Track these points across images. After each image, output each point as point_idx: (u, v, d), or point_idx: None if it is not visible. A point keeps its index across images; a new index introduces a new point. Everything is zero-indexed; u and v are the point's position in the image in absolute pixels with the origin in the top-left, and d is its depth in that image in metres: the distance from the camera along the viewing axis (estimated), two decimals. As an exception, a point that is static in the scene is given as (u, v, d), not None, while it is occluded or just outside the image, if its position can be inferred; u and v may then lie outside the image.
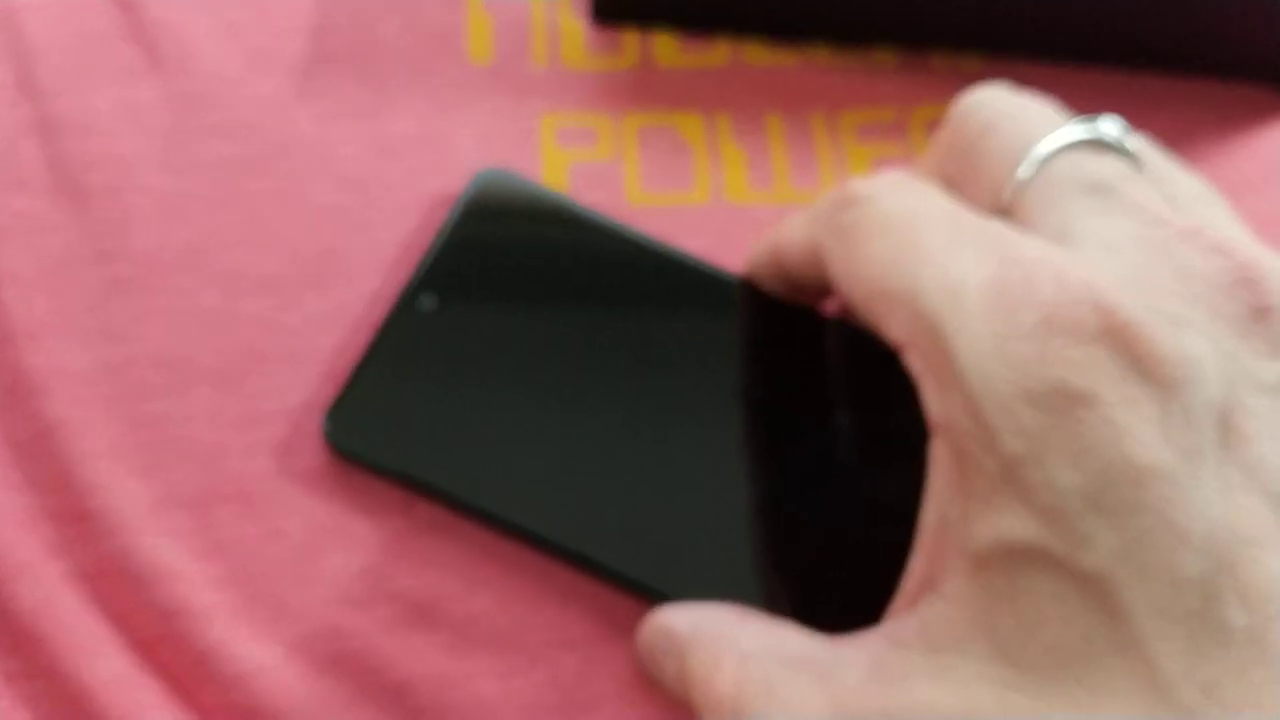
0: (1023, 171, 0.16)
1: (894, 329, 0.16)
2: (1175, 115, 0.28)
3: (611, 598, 0.20)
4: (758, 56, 0.27)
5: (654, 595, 0.19)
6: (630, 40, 0.27)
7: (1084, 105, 0.27)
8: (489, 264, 0.22)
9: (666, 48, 0.27)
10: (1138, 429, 0.13)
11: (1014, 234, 0.15)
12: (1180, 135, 0.27)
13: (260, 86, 0.25)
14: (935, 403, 0.15)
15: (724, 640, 0.17)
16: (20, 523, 0.20)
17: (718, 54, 0.27)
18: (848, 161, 0.26)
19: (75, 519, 0.20)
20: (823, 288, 0.19)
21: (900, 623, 0.15)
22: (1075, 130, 0.16)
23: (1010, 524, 0.13)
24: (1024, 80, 0.27)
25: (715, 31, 0.27)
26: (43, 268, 0.22)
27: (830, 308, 0.22)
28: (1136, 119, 0.27)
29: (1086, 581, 0.13)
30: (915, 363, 0.15)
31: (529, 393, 0.21)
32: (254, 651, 0.19)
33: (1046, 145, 0.16)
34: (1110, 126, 0.17)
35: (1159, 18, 0.26)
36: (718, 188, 0.25)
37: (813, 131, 0.26)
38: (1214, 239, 0.15)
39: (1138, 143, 0.17)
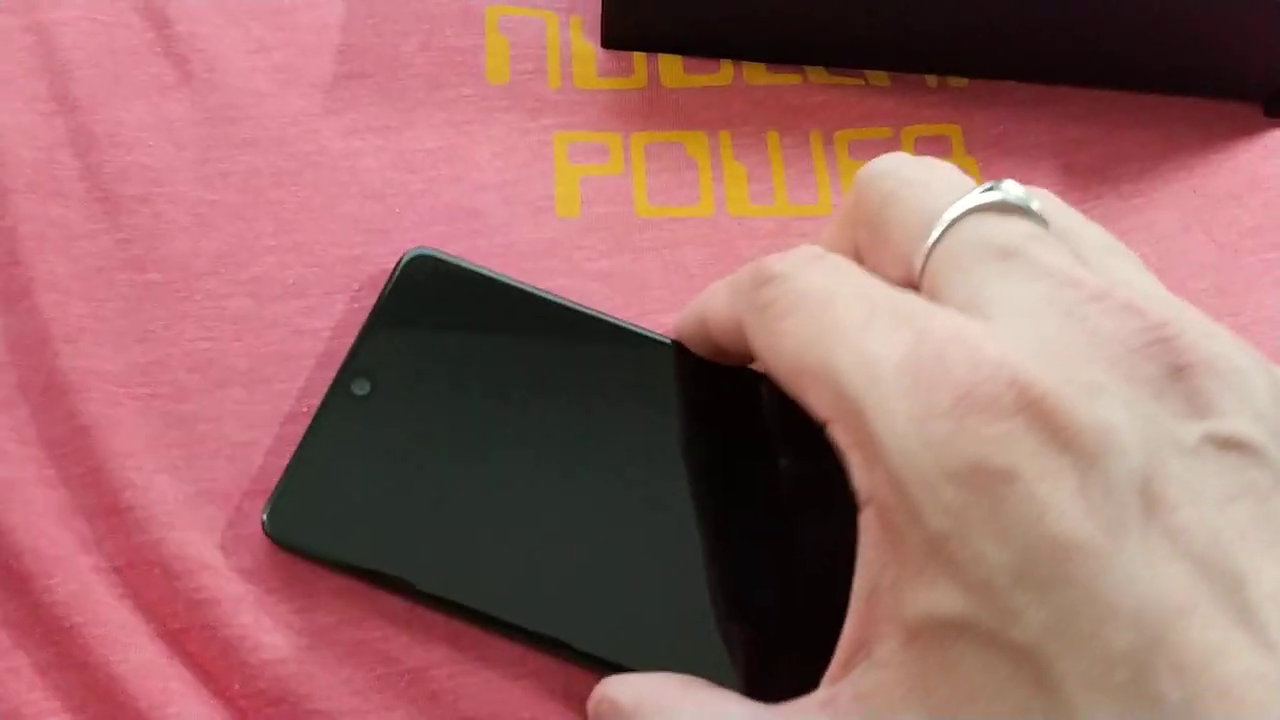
0: (929, 239, 0.16)
1: (816, 405, 0.16)
2: (1158, 130, 0.29)
3: (561, 670, 0.20)
4: (758, 78, 0.28)
5: (602, 666, 0.19)
6: (639, 62, 0.28)
7: (1070, 122, 0.29)
8: (421, 344, 0.22)
9: (673, 69, 0.28)
10: (1060, 502, 0.13)
11: (926, 307, 0.15)
12: (1163, 149, 0.29)
13: (288, 102, 0.26)
14: (862, 476, 0.15)
15: (665, 713, 0.17)
16: (55, 518, 0.21)
17: (721, 75, 0.28)
18: (843, 177, 0.27)
19: (108, 514, 0.21)
20: (748, 354, 0.19)
21: (836, 689, 0.15)
22: (978, 195, 0.16)
23: (939, 598, 0.13)
24: (1011, 99, 0.29)
25: (718, 56, 0.28)
26: (78, 274, 0.23)
27: (760, 368, 0.22)
28: (1121, 134, 0.29)
29: (1018, 655, 0.13)
30: (840, 437, 0.15)
31: (467, 470, 0.21)
32: (279, 641, 0.20)
33: (951, 212, 0.16)
34: (1013, 187, 0.16)
35: (1143, 43, 0.28)
36: (721, 201, 0.26)
37: (811, 149, 0.27)
38: (1125, 299, 0.14)
39: (1042, 201, 0.17)
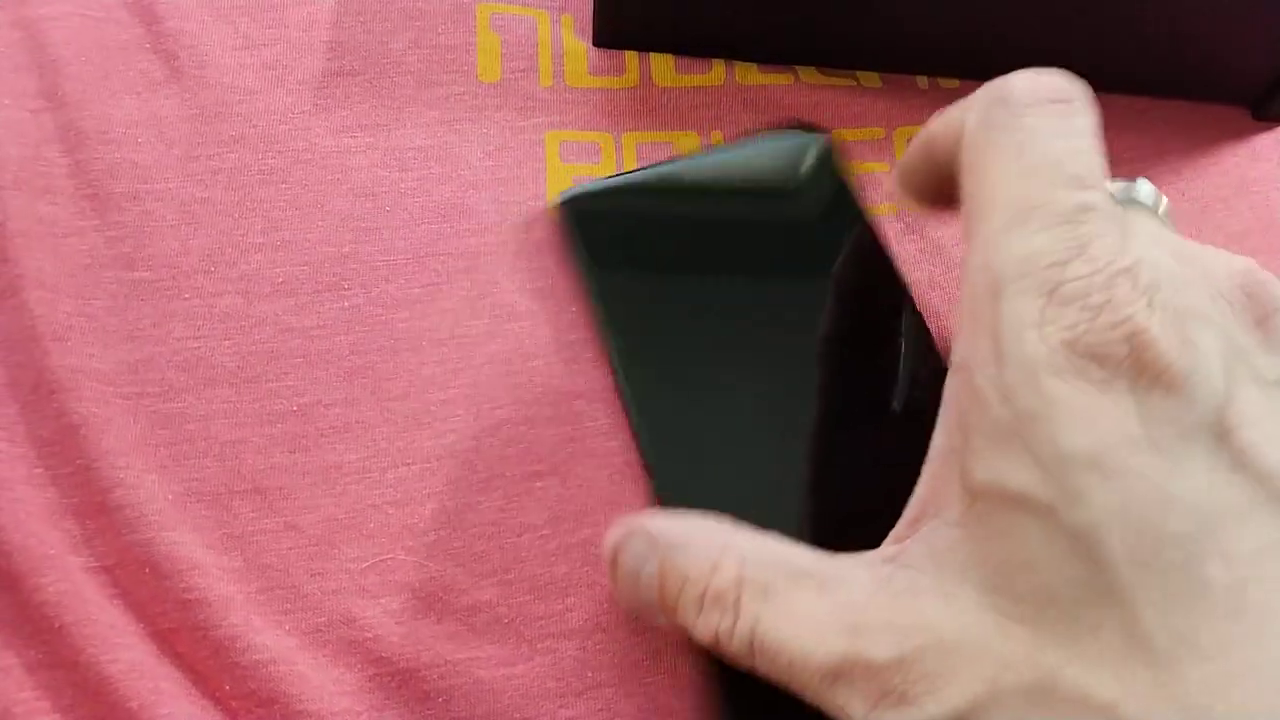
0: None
1: (970, 253, 0.17)
2: (1146, 133, 0.29)
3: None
4: (750, 78, 0.28)
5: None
6: (630, 61, 0.28)
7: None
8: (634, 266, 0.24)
9: (664, 69, 0.28)
10: (1144, 410, 0.14)
11: (1104, 228, 0.16)
12: (1152, 153, 0.29)
13: (277, 99, 0.25)
14: (965, 344, 0.16)
15: (723, 544, 0.17)
16: (44, 517, 0.21)
17: (713, 75, 0.28)
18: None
19: (97, 513, 0.21)
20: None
21: (903, 546, 0.16)
22: (1119, 186, 0.18)
23: (1012, 471, 0.15)
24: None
25: (710, 56, 0.28)
26: (66, 271, 0.23)
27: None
28: (1109, 137, 0.28)
29: (1075, 533, 0.14)
30: (966, 295, 0.17)
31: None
32: (269, 641, 0.20)
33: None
34: (1147, 189, 0.19)
35: (1131, 46, 0.28)
36: (713, 202, 0.26)
37: None
38: (1228, 255, 0.17)
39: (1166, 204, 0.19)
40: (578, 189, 0.25)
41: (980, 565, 0.15)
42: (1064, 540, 0.14)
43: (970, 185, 0.17)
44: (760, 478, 0.21)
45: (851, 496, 0.21)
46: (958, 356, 0.16)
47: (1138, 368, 0.14)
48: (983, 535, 0.15)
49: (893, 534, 0.17)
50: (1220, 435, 0.14)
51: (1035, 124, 0.17)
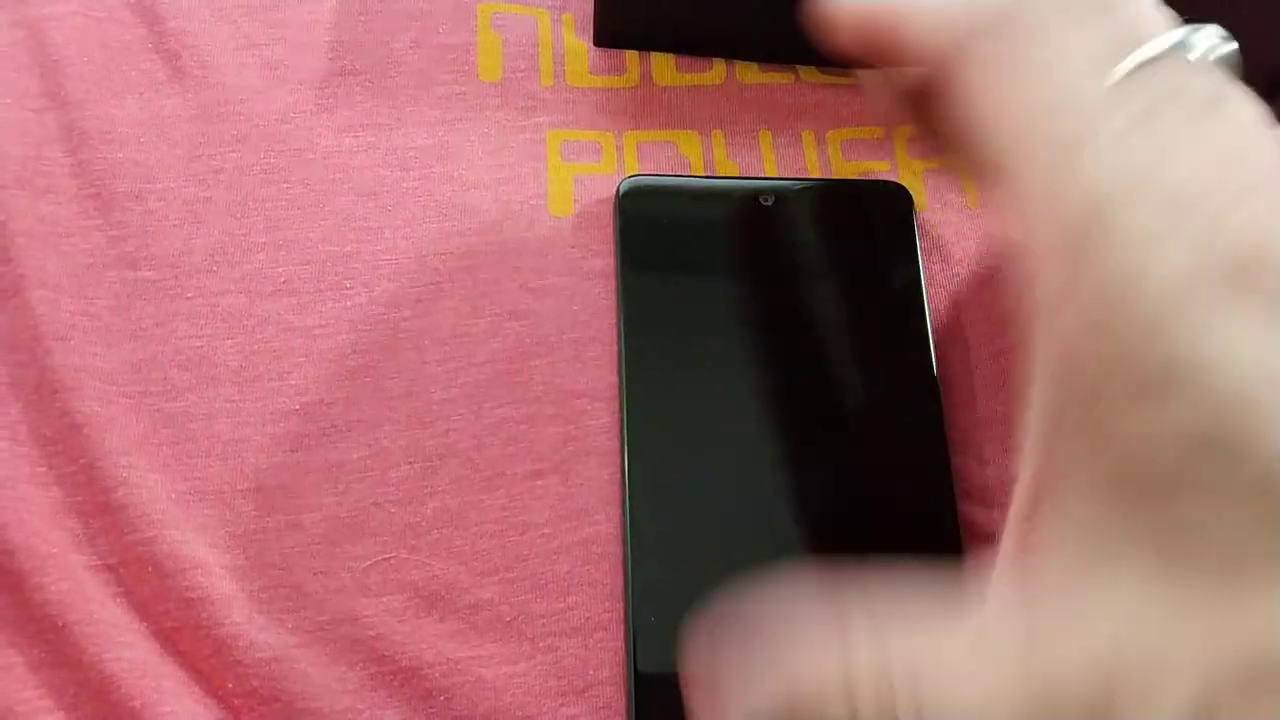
0: (1134, 61, 0.15)
1: (1028, 188, 0.15)
2: None
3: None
4: (751, 77, 0.28)
5: None
6: (631, 61, 0.28)
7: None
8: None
9: (665, 68, 0.28)
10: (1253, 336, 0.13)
11: (1163, 113, 0.14)
12: None
13: (278, 99, 0.26)
14: (1056, 288, 0.14)
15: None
16: (47, 516, 0.21)
17: (713, 74, 0.28)
18: (835, 176, 0.27)
19: (100, 512, 0.21)
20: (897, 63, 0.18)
21: (1035, 546, 0.14)
22: (1175, 36, 0.16)
23: (1174, 417, 0.13)
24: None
25: (710, 55, 0.28)
26: (69, 271, 0.23)
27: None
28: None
29: (1260, 478, 0.12)
30: (1040, 233, 0.15)
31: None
32: (272, 639, 0.20)
33: (1155, 45, 0.15)
34: (1208, 37, 0.16)
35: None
36: (714, 201, 0.26)
37: (803, 148, 0.27)
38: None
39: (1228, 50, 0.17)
40: (640, 180, 0.25)
41: (1145, 537, 0.13)
42: (1243, 488, 0.12)
43: (999, 118, 0.16)
44: (738, 499, 0.22)
45: (835, 513, 0.21)
46: (1049, 303, 0.14)
47: (1240, 283, 0.13)
48: (1137, 499, 0.13)
49: (1006, 540, 0.15)
50: None
51: (1050, 21, 0.15)
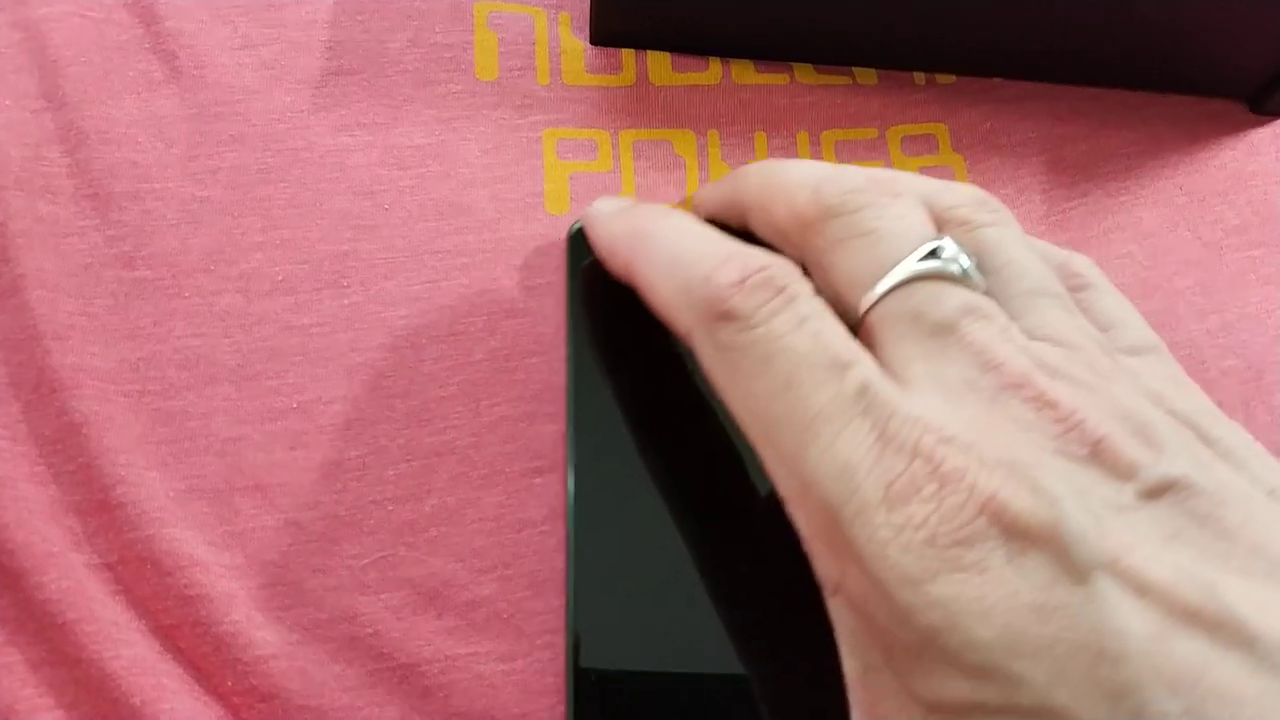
0: (873, 295, 0.17)
1: (775, 477, 0.16)
2: (1144, 128, 0.29)
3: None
4: (747, 76, 0.28)
5: None
6: (628, 59, 0.28)
7: (1057, 120, 0.29)
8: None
9: (661, 67, 0.28)
10: (1028, 577, 0.14)
11: (884, 395, 0.16)
12: (1150, 147, 0.29)
13: (276, 98, 0.26)
14: (828, 567, 0.16)
15: None
16: (46, 515, 0.21)
17: (709, 74, 0.28)
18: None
19: (99, 511, 0.21)
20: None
21: None
22: (915, 263, 0.17)
23: (943, 684, 0.14)
24: (999, 96, 0.29)
25: (706, 54, 0.28)
26: (67, 270, 0.23)
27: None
28: (1107, 132, 0.29)
29: (1032, 713, 0.14)
30: (802, 524, 0.16)
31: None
32: (270, 637, 0.20)
33: (890, 278, 0.17)
34: (951, 250, 0.17)
35: (1129, 40, 0.28)
36: (710, 199, 0.26)
37: (798, 148, 0.27)
38: (1039, 390, 0.15)
39: (992, 226, 0.18)
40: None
41: None
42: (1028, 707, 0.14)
43: (735, 408, 0.17)
44: (690, 569, 0.21)
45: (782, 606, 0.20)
46: (830, 580, 0.16)
47: (1006, 536, 0.14)
48: None
49: None
50: (1108, 567, 0.14)
51: (767, 330, 0.16)
